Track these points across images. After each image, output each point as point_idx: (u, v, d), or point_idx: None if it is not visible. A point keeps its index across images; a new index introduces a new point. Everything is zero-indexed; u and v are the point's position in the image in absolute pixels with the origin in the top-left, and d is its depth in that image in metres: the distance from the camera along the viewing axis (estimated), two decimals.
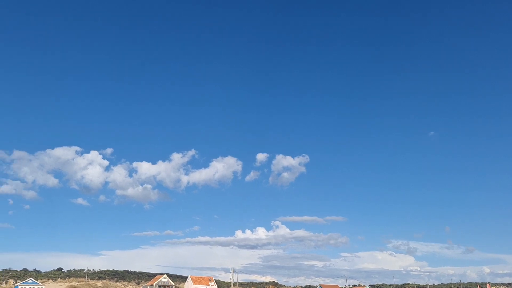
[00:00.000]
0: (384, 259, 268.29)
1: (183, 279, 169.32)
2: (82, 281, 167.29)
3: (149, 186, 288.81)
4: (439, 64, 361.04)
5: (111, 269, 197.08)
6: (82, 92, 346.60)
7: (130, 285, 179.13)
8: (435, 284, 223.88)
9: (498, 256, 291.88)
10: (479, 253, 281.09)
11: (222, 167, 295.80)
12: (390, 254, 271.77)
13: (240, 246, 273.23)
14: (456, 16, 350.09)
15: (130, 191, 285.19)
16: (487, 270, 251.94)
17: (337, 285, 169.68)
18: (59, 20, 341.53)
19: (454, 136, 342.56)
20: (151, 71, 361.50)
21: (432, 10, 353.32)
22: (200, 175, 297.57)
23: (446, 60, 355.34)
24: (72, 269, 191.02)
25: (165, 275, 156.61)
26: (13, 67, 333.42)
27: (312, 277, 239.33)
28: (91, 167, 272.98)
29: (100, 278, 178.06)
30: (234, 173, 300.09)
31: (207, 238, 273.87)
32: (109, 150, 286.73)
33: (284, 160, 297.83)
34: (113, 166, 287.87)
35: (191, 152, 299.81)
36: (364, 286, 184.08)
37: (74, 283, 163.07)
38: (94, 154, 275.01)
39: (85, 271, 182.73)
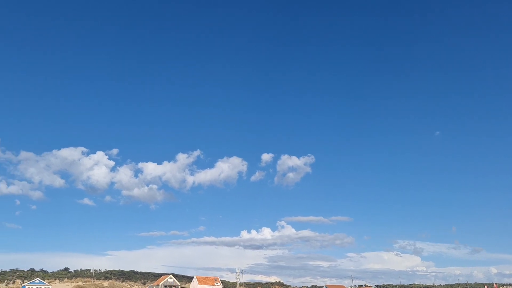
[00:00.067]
0: (390, 260, 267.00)
1: (189, 279, 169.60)
2: (89, 281, 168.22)
3: (154, 186, 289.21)
4: (444, 64, 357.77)
5: (117, 269, 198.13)
6: (88, 93, 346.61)
7: (136, 285, 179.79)
8: (442, 285, 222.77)
9: (505, 257, 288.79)
10: (486, 253, 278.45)
11: (227, 168, 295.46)
12: (396, 255, 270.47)
13: (245, 247, 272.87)
14: (461, 16, 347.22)
15: (136, 192, 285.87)
16: (494, 270, 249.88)
17: (343, 286, 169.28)
18: (65, 21, 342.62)
19: (460, 135, 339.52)
20: (156, 72, 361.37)
21: (437, 10, 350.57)
22: (205, 176, 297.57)
23: (452, 60, 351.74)
24: (78, 269, 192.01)
25: (171, 275, 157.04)
26: (20, 69, 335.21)
27: (318, 277, 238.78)
28: (97, 167, 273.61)
29: (106, 278, 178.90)
30: (239, 173, 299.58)
31: (212, 238, 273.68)
32: (114, 151, 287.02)
33: (289, 160, 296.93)
34: (119, 167, 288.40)
35: (196, 153, 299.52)
36: (370, 286, 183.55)
37: (80, 283, 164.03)
38: (100, 155, 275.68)
39: (91, 271, 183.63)
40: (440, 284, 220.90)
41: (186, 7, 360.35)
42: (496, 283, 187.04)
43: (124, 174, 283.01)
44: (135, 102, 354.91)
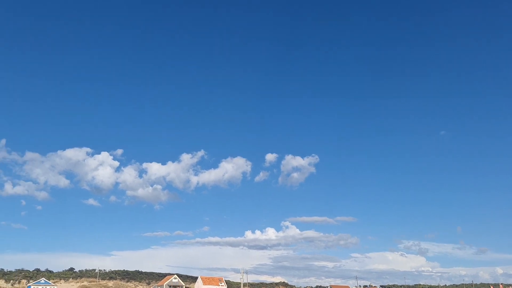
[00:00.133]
0: (395, 260, 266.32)
1: (193, 279, 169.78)
2: (94, 281, 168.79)
3: (159, 186, 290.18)
4: (450, 64, 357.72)
5: (122, 269, 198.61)
6: (92, 94, 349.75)
7: (140, 285, 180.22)
8: (447, 285, 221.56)
9: (511, 257, 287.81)
10: (492, 253, 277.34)
11: (232, 168, 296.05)
12: (401, 255, 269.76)
13: (250, 247, 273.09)
14: (467, 17, 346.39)
15: (140, 192, 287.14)
16: (500, 271, 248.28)
17: (347, 286, 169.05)
18: (72, 23, 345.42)
19: (465, 135, 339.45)
20: (160, 73, 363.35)
21: (446, 10, 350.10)
22: (209, 176, 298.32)
23: (458, 60, 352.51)
24: (83, 269, 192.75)
25: (176, 275, 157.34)
26: (25, 71, 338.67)
27: (323, 277, 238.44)
28: (102, 168, 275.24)
29: (111, 278, 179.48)
30: (244, 173, 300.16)
31: (217, 239, 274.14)
32: (119, 151, 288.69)
33: (293, 161, 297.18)
34: (123, 167, 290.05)
35: (200, 153, 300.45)
36: (375, 287, 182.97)
37: (85, 283, 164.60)
38: (104, 155, 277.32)
39: (96, 271, 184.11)
40: (445, 285, 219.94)
41: (190, 9, 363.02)
42: (502, 284, 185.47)
43: (129, 174, 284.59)
44: (140, 103, 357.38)
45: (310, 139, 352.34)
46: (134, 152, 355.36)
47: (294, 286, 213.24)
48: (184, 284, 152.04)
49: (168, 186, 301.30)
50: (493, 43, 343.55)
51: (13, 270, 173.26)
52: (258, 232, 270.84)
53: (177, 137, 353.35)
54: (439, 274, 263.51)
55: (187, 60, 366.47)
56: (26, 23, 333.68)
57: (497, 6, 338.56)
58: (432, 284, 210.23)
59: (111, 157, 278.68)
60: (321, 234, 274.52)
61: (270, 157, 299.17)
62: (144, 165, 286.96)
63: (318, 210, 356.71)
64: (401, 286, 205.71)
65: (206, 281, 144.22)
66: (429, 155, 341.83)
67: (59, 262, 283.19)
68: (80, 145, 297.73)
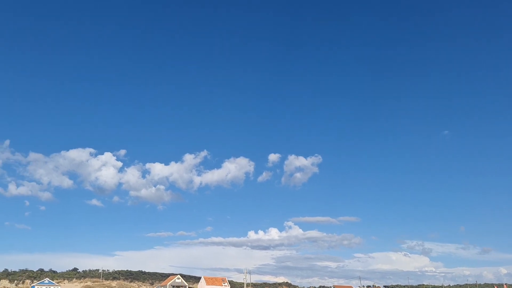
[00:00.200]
0: (398, 260, 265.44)
1: (197, 279, 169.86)
2: (97, 281, 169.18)
3: (162, 187, 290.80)
4: (453, 63, 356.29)
5: (125, 269, 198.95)
6: (95, 95, 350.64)
7: (144, 285, 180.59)
8: (451, 285, 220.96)
9: None
10: (496, 253, 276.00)
11: (234, 168, 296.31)
12: (405, 255, 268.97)
13: (253, 247, 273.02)
14: (467, 17, 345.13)
15: (144, 192, 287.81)
16: (504, 271, 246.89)
17: (351, 286, 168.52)
18: (75, 23, 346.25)
19: (468, 135, 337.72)
20: (163, 74, 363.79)
21: (446, 10, 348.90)
22: (212, 176, 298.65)
23: (461, 60, 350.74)
24: (87, 269, 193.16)
25: (179, 276, 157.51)
26: (28, 71, 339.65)
27: (326, 278, 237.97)
28: (105, 168, 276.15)
29: (114, 278, 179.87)
30: (246, 173, 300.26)
31: (220, 239, 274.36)
32: (122, 152, 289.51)
33: (296, 161, 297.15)
34: (127, 168, 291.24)
35: (203, 153, 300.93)
36: (378, 287, 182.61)
37: (89, 283, 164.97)
38: (108, 156, 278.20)
39: (99, 271, 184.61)
40: (449, 285, 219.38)
41: (190, 9, 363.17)
42: (506, 284, 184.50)
43: (132, 174, 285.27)
44: (143, 103, 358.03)
45: (313, 139, 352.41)
46: (137, 153, 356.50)
47: (297, 286, 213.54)
48: (187, 284, 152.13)
49: (171, 186, 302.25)
50: (493, 43, 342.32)
51: (17, 270, 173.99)
52: (261, 232, 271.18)
53: (180, 137, 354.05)
54: (443, 274, 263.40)
55: (187, 60, 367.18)
56: (26, 23, 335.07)
57: (497, 6, 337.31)
58: (436, 284, 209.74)
59: (114, 157, 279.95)
60: (324, 234, 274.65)
61: (273, 157, 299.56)
62: (147, 165, 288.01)
63: (321, 210, 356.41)
64: (404, 286, 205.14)
65: (209, 281, 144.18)
66: (433, 155, 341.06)
67: (62, 262, 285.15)
68: (83, 145, 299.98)
